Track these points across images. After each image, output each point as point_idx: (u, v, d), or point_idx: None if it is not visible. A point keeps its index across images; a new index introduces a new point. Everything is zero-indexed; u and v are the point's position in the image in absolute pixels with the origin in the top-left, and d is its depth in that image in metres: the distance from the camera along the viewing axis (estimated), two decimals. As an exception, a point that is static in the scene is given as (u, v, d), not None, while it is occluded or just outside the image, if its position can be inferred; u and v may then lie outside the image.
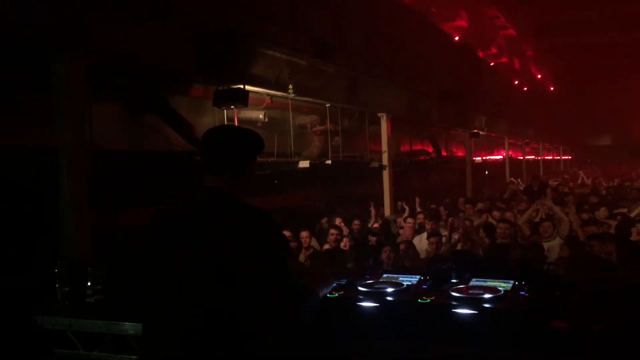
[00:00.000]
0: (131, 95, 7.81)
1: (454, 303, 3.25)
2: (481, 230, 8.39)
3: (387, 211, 11.98)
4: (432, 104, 15.62)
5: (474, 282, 3.56)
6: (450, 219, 9.55)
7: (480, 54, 25.23)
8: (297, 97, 9.37)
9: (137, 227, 2.72)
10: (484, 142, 24.06)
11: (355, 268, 6.01)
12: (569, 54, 41.20)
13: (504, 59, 32.31)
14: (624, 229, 7.72)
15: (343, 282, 3.64)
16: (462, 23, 26.57)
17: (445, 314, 3.20)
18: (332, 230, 8.14)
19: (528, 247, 6.96)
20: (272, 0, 8.63)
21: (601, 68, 41.55)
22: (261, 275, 2.47)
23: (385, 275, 3.81)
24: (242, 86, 7.60)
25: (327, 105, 10.83)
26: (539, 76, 40.05)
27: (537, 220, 8.97)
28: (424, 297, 3.35)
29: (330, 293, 3.46)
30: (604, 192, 14.39)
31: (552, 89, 41.64)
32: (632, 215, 9.30)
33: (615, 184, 17.06)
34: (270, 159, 9.60)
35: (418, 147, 18.83)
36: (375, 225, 9.60)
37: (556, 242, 7.45)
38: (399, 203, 12.63)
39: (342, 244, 8.05)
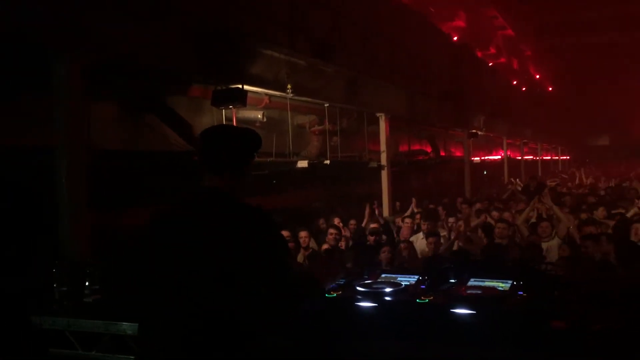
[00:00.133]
0: (130, 95, 7.80)
1: (453, 303, 3.26)
2: (479, 231, 8.39)
3: (385, 211, 11.98)
4: (431, 104, 15.62)
5: (472, 282, 3.57)
6: (449, 219, 9.57)
7: (479, 54, 25.23)
8: (296, 97, 9.36)
9: (137, 227, 2.72)
10: (482, 142, 24.07)
11: (354, 268, 6.00)
12: (567, 54, 41.25)
13: (502, 59, 32.33)
14: (622, 229, 7.72)
15: (341, 282, 3.65)
16: (461, 23, 26.58)
17: (444, 314, 3.22)
18: (331, 230, 8.13)
19: (526, 247, 6.97)
20: (271, 0, 8.63)
21: (599, 68, 41.59)
22: (261, 275, 2.48)
23: (383, 275, 3.82)
24: (240, 86, 7.60)
25: (325, 105, 10.83)
26: (538, 76, 40.07)
27: (534, 220, 8.99)
28: (422, 297, 3.36)
29: (329, 293, 3.46)
30: (602, 193, 14.40)
31: (550, 89, 41.65)
32: (629, 215, 9.31)
33: (614, 184, 17.06)
34: (268, 159, 9.59)
35: (416, 147, 18.83)
36: (373, 225, 9.58)
37: (554, 243, 7.46)
38: (397, 203, 12.65)
39: (340, 244, 8.05)
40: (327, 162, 10.88)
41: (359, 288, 3.53)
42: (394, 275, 3.77)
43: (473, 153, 21.11)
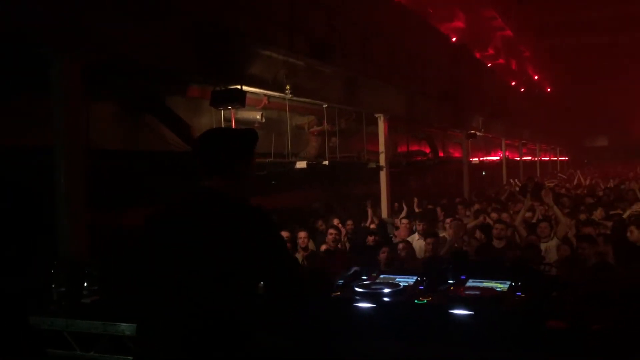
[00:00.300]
0: (129, 95, 7.80)
1: (451, 304, 3.26)
2: (478, 231, 8.39)
3: (384, 212, 11.98)
4: (430, 105, 15.63)
5: (470, 283, 3.57)
6: (448, 220, 9.56)
7: (478, 55, 25.26)
8: (295, 98, 9.37)
9: (136, 227, 2.72)
10: (481, 143, 24.09)
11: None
12: (566, 55, 41.29)
13: (501, 60, 32.38)
14: (619, 230, 7.74)
15: (340, 282, 3.65)
16: (460, 24, 26.62)
17: (442, 314, 3.22)
18: (331, 230, 8.13)
19: (525, 248, 6.97)
20: (271, 0, 8.63)
21: (598, 69, 41.65)
22: (262, 275, 2.49)
23: (382, 276, 3.82)
24: (239, 87, 7.60)
25: (324, 105, 10.83)
26: (536, 77, 40.12)
27: (533, 221, 8.99)
28: (420, 298, 3.37)
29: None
30: (600, 193, 14.41)
31: (549, 90, 41.70)
32: (625, 215, 9.33)
33: (612, 185, 17.07)
34: (267, 160, 9.60)
35: (415, 147, 18.83)
36: (373, 225, 9.59)
37: (553, 243, 7.46)
38: (396, 204, 12.65)
39: (340, 245, 8.05)
40: (326, 162, 10.89)
41: (357, 289, 3.53)
42: (392, 276, 3.77)
43: (472, 154, 21.13)
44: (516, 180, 20.62)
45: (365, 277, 3.77)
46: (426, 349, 3.12)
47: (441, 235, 8.38)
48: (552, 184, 17.71)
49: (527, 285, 3.43)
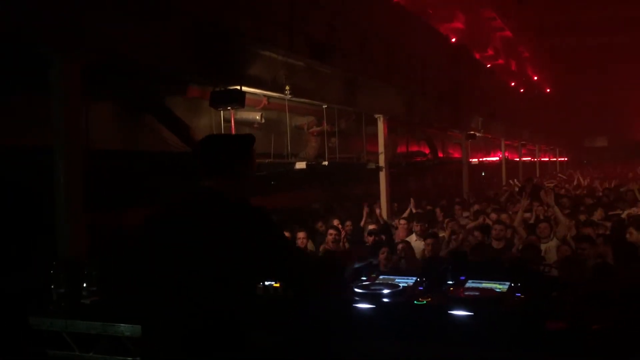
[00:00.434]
0: (128, 95, 7.80)
1: (450, 304, 3.26)
2: (477, 232, 8.39)
3: (384, 212, 11.98)
4: (429, 105, 15.63)
5: (470, 283, 3.57)
6: (446, 221, 9.57)
7: (477, 56, 25.26)
8: (294, 98, 9.37)
9: (135, 227, 2.72)
10: (480, 143, 24.09)
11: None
12: (565, 56, 41.30)
13: (500, 61, 32.38)
14: (619, 230, 7.74)
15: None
16: (459, 25, 26.62)
17: (442, 315, 3.22)
18: (331, 231, 8.12)
19: (524, 249, 6.97)
20: (270, 1, 8.63)
21: (598, 69, 41.65)
22: (265, 274, 2.49)
23: (381, 277, 3.82)
24: (239, 87, 7.60)
25: (324, 106, 10.83)
26: (536, 78, 40.13)
27: (532, 221, 8.99)
28: (420, 299, 3.36)
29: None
30: (600, 194, 14.41)
31: (548, 90, 41.71)
32: (623, 215, 9.33)
33: (612, 185, 17.06)
34: (267, 160, 9.59)
35: (415, 148, 18.84)
36: (372, 226, 9.59)
37: (553, 244, 7.46)
38: (395, 204, 12.65)
39: (340, 245, 8.04)
40: (325, 163, 10.88)
41: (356, 289, 3.53)
42: (391, 277, 3.78)
43: (471, 154, 21.13)
44: (515, 180, 20.61)
45: (364, 278, 3.77)
46: (426, 350, 3.12)
47: (441, 235, 8.39)
48: (552, 185, 17.70)
49: (526, 286, 3.43)
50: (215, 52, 7.17)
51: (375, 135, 12.62)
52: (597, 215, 9.70)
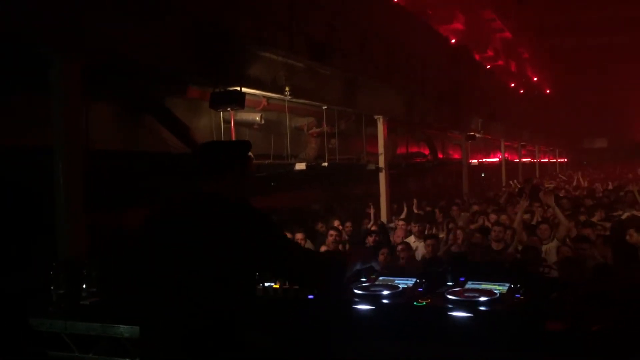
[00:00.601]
0: (128, 96, 7.80)
1: (450, 306, 3.26)
2: (477, 234, 8.39)
3: (384, 213, 11.98)
4: (429, 106, 15.63)
5: (469, 285, 3.57)
6: (447, 221, 9.57)
7: (477, 57, 25.27)
8: (294, 100, 9.37)
9: (135, 228, 2.73)
10: (480, 144, 24.08)
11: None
12: (565, 56, 41.32)
13: (500, 62, 32.40)
14: (618, 231, 7.74)
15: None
16: (459, 25, 26.64)
17: (441, 316, 3.21)
18: (331, 232, 8.12)
19: (524, 250, 6.97)
20: (270, 1, 8.62)
21: (597, 70, 41.66)
22: (263, 274, 2.50)
23: (381, 278, 3.81)
24: (238, 88, 7.60)
25: (323, 107, 10.83)
26: (535, 79, 40.15)
27: (532, 223, 8.99)
28: (419, 300, 3.36)
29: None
30: (600, 195, 14.42)
31: (548, 91, 41.72)
32: (623, 217, 9.33)
33: (612, 186, 17.06)
34: (266, 161, 9.59)
35: (414, 149, 18.83)
36: (374, 227, 9.59)
37: (553, 245, 7.47)
38: (395, 205, 12.65)
39: (340, 246, 8.03)
40: (325, 164, 10.88)
41: (356, 291, 3.53)
42: (391, 278, 3.77)
43: (471, 155, 21.13)
44: (515, 181, 20.62)
45: (364, 279, 3.77)
46: (426, 351, 3.12)
47: (440, 236, 8.40)
48: (552, 186, 17.70)
49: (526, 287, 3.43)
50: (215, 53, 7.17)
51: (375, 136, 12.63)
52: (597, 216, 9.71)
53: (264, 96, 9.17)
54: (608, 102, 44.74)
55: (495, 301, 3.27)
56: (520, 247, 7.32)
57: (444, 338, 3.16)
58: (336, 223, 9.31)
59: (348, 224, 9.73)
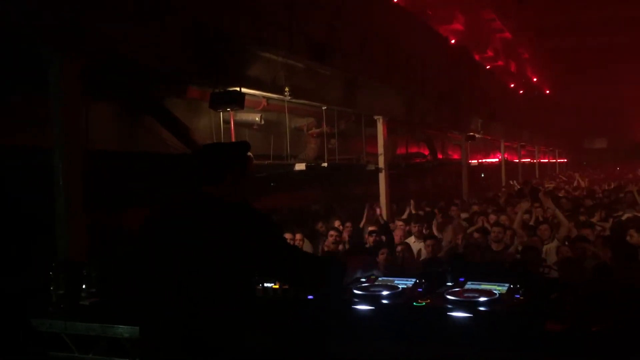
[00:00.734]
0: (128, 96, 7.80)
1: (450, 306, 3.26)
2: (477, 234, 8.38)
3: (384, 214, 11.98)
4: (429, 106, 15.63)
5: (469, 285, 3.56)
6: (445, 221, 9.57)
7: (477, 57, 25.27)
8: (294, 100, 9.37)
9: (135, 228, 2.73)
10: (480, 144, 24.08)
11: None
12: (564, 57, 41.31)
13: (500, 62, 32.40)
14: (618, 232, 7.75)
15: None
16: (459, 26, 26.64)
17: (441, 317, 3.21)
18: (332, 232, 8.11)
19: (524, 250, 6.97)
20: (270, 2, 8.62)
21: (597, 70, 41.66)
22: (261, 275, 2.50)
23: (380, 279, 3.81)
24: (238, 88, 7.60)
25: (323, 107, 10.83)
26: (535, 79, 40.15)
27: (532, 223, 8.99)
28: (419, 300, 3.36)
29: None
30: (600, 195, 14.42)
31: (548, 91, 41.72)
32: (623, 218, 9.34)
33: (611, 187, 17.06)
34: (266, 162, 9.59)
35: (414, 149, 18.83)
36: (372, 227, 9.57)
37: (553, 245, 7.47)
38: (394, 206, 12.65)
39: (340, 246, 8.03)
40: (325, 164, 10.88)
41: (356, 291, 3.53)
42: (391, 278, 3.77)
43: (470, 156, 21.13)
44: (515, 181, 20.62)
45: (363, 280, 3.77)
46: (425, 352, 3.12)
47: (440, 237, 8.39)
48: (552, 186, 17.70)
49: (526, 287, 3.43)
50: (214, 53, 7.17)
51: (375, 137, 12.62)
52: (597, 216, 9.71)
53: (264, 96, 9.17)
54: (608, 102, 44.72)
55: (495, 301, 3.27)
56: (520, 248, 7.33)
57: (443, 338, 3.16)
58: (336, 223, 9.30)
59: (348, 224, 9.72)
